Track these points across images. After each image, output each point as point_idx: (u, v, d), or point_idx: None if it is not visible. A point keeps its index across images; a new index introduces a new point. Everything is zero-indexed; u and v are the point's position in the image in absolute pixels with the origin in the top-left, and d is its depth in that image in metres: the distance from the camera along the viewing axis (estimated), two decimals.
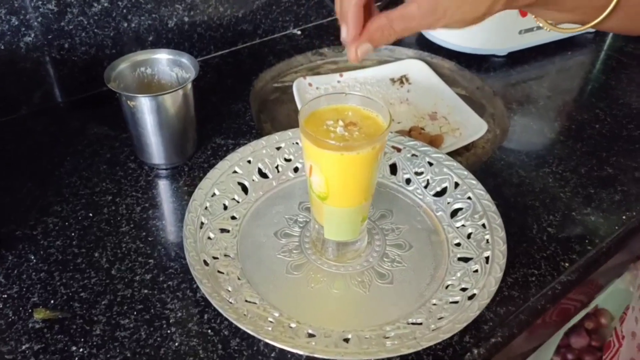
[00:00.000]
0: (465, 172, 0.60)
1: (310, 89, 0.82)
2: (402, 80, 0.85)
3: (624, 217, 0.61)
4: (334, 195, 0.49)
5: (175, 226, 0.58)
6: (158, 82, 0.65)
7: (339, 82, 0.85)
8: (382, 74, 0.87)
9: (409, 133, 0.73)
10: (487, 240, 0.54)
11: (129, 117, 0.61)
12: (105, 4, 0.72)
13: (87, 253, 0.55)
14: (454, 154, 0.70)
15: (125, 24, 0.76)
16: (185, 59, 0.63)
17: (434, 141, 0.72)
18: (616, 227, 0.59)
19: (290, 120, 0.78)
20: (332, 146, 0.44)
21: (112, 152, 0.67)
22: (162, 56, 0.64)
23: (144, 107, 0.59)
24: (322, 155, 0.45)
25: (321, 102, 0.49)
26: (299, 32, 0.94)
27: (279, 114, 0.79)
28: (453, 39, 0.89)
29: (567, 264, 0.55)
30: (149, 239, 0.56)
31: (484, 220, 0.56)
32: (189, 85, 0.61)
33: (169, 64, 0.64)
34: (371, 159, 0.46)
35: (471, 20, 0.42)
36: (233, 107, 0.76)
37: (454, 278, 0.52)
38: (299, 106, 0.77)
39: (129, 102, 0.58)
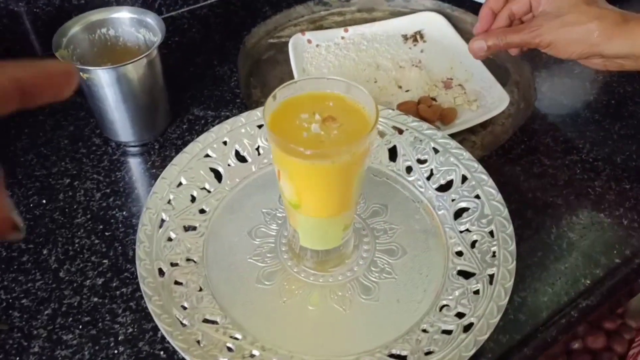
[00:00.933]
0: (476, 165, 0.51)
1: (309, 46, 0.72)
2: (416, 37, 0.74)
3: None
4: (307, 205, 0.41)
5: (137, 218, 0.51)
6: (124, 45, 0.56)
7: (343, 38, 0.74)
8: (393, 28, 0.75)
9: (418, 105, 0.63)
10: (494, 253, 0.45)
11: (85, 91, 0.52)
12: None
13: (35, 249, 0.48)
14: (467, 132, 0.61)
15: None
16: (150, 19, 0.54)
17: (446, 116, 0.62)
18: None
19: None
20: (300, 153, 0.35)
21: (76, 124, 0.60)
22: (124, 15, 0.55)
23: (101, 80, 0.50)
24: (289, 162, 0.37)
25: (297, 87, 0.40)
26: None
27: (272, 78, 0.69)
28: None
29: (588, 281, 0.47)
30: (106, 233, 0.50)
31: (492, 227, 0.47)
32: (155, 52, 0.52)
33: (133, 24, 0.55)
34: (350, 168, 0.38)
35: (562, 46, 0.51)
36: (218, 70, 0.66)
37: (450, 298, 0.44)
38: (293, 68, 0.67)
39: (82, 74, 0.50)
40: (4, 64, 0.22)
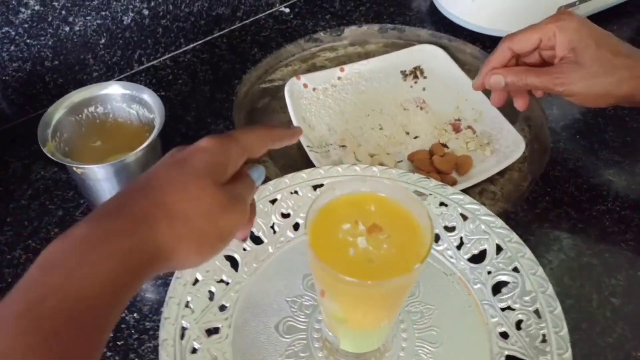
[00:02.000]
0: (511, 234, 0.48)
1: (305, 91, 0.67)
2: (416, 73, 0.71)
3: None
4: (355, 320, 0.37)
5: (150, 320, 0.46)
6: (114, 121, 0.51)
7: (339, 78, 0.70)
8: (390, 64, 0.71)
9: (431, 156, 0.60)
10: (544, 337, 0.43)
11: (80, 184, 0.47)
12: (36, 7, 0.56)
13: None
14: (485, 181, 0.58)
15: (67, 28, 0.59)
16: (147, 97, 0.48)
17: (461, 165, 0.59)
18: None
19: None
20: (353, 283, 0.32)
21: (65, 207, 0.54)
22: (114, 91, 0.49)
23: (97, 175, 0.45)
24: (339, 287, 0.33)
25: (332, 192, 0.36)
26: (287, 10, 0.77)
27: None
28: (477, 20, 0.72)
29: (639, 354, 0.45)
30: (119, 342, 0.45)
31: (537, 306, 0.44)
32: (156, 136, 0.47)
33: (125, 100, 0.50)
34: (408, 287, 0.34)
35: (590, 98, 0.49)
36: (214, 129, 0.62)
37: None
38: (292, 118, 0.63)
39: (75, 169, 0.44)
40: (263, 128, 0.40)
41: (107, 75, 0.65)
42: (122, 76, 0.66)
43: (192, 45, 0.71)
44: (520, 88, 0.51)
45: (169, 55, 0.70)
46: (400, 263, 0.33)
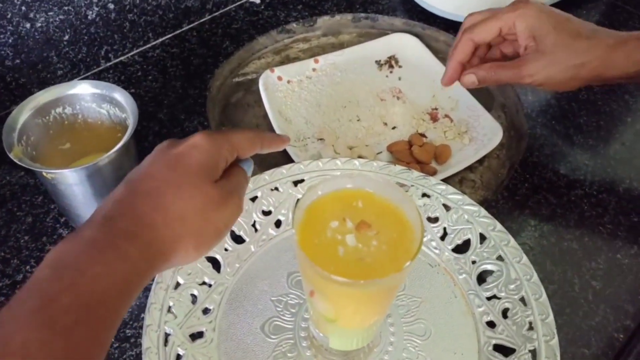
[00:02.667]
0: (495, 223, 0.48)
1: (280, 84, 0.66)
2: (391, 62, 0.70)
3: None
4: (345, 320, 0.36)
5: (131, 328, 0.45)
6: (84, 122, 0.49)
7: (314, 70, 0.69)
8: (365, 55, 0.71)
9: (410, 146, 0.60)
10: (531, 324, 0.43)
11: (50, 189, 0.45)
12: None
13: None
14: (465, 170, 0.58)
15: (28, 25, 0.56)
16: (118, 95, 0.46)
17: (440, 155, 0.59)
18: None
19: None
20: (344, 283, 0.31)
21: (34, 212, 0.51)
22: (84, 90, 0.47)
23: (69, 179, 0.43)
24: (330, 288, 0.32)
25: (317, 190, 0.35)
26: (258, 1, 0.76)
27: (246, 126, 0.63)
28: (450, 7, 0.72)
29: (621, 336, 0.45)
30: None
31: (522, 294, 0.45)
32: (130, 137, 0.45)
33: (94, 100, 0.47)
34: (397, 284, 0.33)
35: (558, 84, 0.49)
36: (187, 127, 0.60)
37: None
38: (269, 112, 0.62)
39: (44, 174, 0.42)
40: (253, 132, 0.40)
41: (72, 73, 0.63)
42: (89, 74, 0.64)
43: (161, 40, 0.69)
44: (492, 83, 0.52)
45: (137, 50, 0.67)
46: (391, 260, 0.33)
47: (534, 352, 0.42)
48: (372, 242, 0.34)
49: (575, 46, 0.48)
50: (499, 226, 0.48)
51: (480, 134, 0.61)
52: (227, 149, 0.37)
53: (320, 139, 0.61)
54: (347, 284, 0.31)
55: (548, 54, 0.48)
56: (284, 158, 0.56)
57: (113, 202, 0.33)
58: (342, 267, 0.32)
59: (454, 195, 0.50)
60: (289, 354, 0.43)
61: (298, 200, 0.34)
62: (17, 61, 0.57)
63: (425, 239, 0.50)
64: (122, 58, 0.66)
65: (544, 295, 0.44)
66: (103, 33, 0.63)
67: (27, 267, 0.48)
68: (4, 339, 0.26)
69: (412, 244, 0.33)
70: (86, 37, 0.61)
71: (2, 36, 0.55)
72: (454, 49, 0.53)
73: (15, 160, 0.41)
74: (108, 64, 0.65)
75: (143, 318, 0.42)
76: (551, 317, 0.43)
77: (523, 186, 0.55)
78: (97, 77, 0.64)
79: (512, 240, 0.47)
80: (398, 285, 0.34)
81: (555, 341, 0.41)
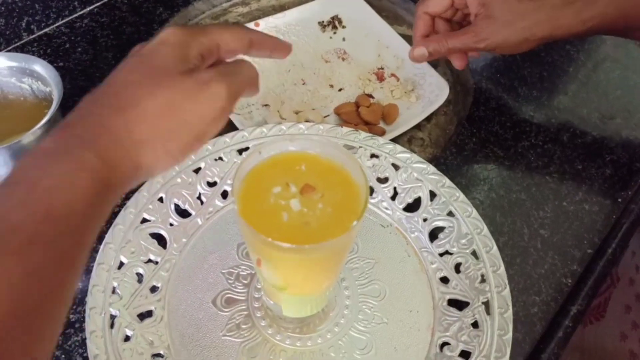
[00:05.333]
0: (444, 179, 0.48)
1: None
2: (334, 22, 0.68)
3: (619, 200, 0.52)
4: (295, 286, 0.35)
5: (75, 312, 0.43)
6: (4, 99, 0.45)
7: None
8: (307, 16, 0.68)
9: (357, 107, 0.58)
10: (482, 277, 0.43)
11: None
12: None
13: None
14: (413, 129, 0.57)
15: None
16: (39, 68, 0.43)
17: (388, 115, 0.58)
18: (614, 217, 0.51)
19: None
20: (289, 249, 0.30)
21: None
22: (0, 64, 0.43)
23: None
24: (275, 255, 0.31)
25: (257, 155, 0.33)
26: None
27: None
28: None
29: (569, 281, 0.46)
30: None
31: (473, 247, 0.45)
32: (55, 111, 0.42)
33: (13, 74, 0.44)
34: (345, 248, 0.33)
35: (513, 46, 0.49)
36: None
37: (448, 334, 0.42)
38: None
39: None
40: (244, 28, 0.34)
41: None
42: (10, 47, 0.59)
43: (88, 9, 0.64)
44: (445, 53, 0.52)
45: (63, 21, 0.63)
46: (337, 222, 0.32)
47: (486, 304, 0.42)
48: (318, 205, 0.32)
49: (522, 8, 0.48)
50: (448, 182, 0.48)
51: (427, 92, 0.60)
52: (202, 40, 0.31)
53: (265, 105, 0.59)
54: (293, 250, 0.29)
55: (498, 19, 0.48)
56: (227, 126, 0.54)
57: (75, 111, 0.29)
58: (287, 233, 0.31)
59: (402, 154, 0.49)
60: (243, 326, 0.42)
61: (238, 167, 0.32)
62: None
63: (375, 200, 0.49)
64: (46, 30, 0.62)
65: (495, 248, 0.44)
66: (22, 3, 0.58)
67: None
68: None
69: (358, 204, 0.32)
70: (3, 8, 0.57)
71: None
72: (415, 25, 0.53)
73: None
74: (31, 37, 0.61)
75: (86, 302, 0.40)
76: (502, 268, 0.43)
77: (471, 141, 0.55)
78: (21, 51, 0.59)
79: (462, 196, 0.47)
80: (347, 248, 0.33)
81: (507, 291, 0.42)
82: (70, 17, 0.63)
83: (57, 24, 0.62)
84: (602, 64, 0.64)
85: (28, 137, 0.41)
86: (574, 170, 0.54)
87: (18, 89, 0.45)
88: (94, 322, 0.39)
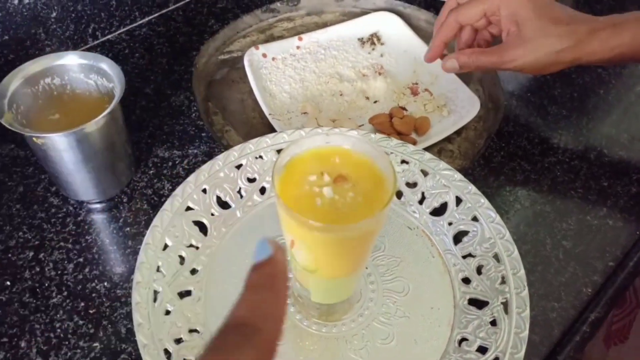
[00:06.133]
0: (470, 186, 0.50)
1: (265, 61, 0.68)
2: (373, 40, 0.72)
3: None
4: (324, 269, 0.38)
5: (122, 288, 0.47)
6: (72, 93, 0.50)
7: (298, 47, 0.70)
8: (348, 32, 0.72)
9: (390, 118, 0.61)
10: (503, 278, 0.45)
11: (39, 155, 0.46)
12: None
13: (10, 344, 0.43)
14: (443, 140, 0.60)
15: (16, 1, 0.58)
16: (105, 66, 0.48)
17: (420, 126, 0.61)
18: (637, 232, 0.52)
19: (245, 109, 0.64)
20: (321, 228, 0.33)
21: (25, 182, 0.53)
22: (72, 61, 0.48)
23: (58, 145, 0.44)
24: (309, 235, 0.34)
25: (297, 147, 0.37)
26: None
27: (231, 101, 0.65)
28: None
29: (589, 290, 0.48)
30: (90, 311, 0.45)
31: (495, 250, 0.47)
32: (117, 104, 0.46)
33: (82, 70, 0.49)
34: (374, 232, 0.36)
35: (539, 69, 0.51)
36: (174, 101, 0.61)
37: (467, 331, 0.44)
38: (254, 88, 0.63)
39: (35, 139, 0.44)
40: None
41: (60, 50, 0.64)
42: (76, 51, 0.65)
43: (147, 19, 0.70)
44: (473, 69, 0.54)
45: (124, 29, 0.69)
46: (365, 210, 0.35)
47: (505, 304, 0.44)
48: (349, 193, 0.35)
49: (555, 31, 0.50)
50: (473, 189, 0.50)
51: (459, 107, 0.63)
52: None
53: (304, 113, 0.63)
54: (324, 229, 0.33)
55: (529, 41, 0.50)
56: (268, 131, 0.58)
57: None
58: (320, 215, 0.34)
59: (431, 161, 0.52)
60: None
61: (279, 158, 0.35)
62: (6, 37, 0.59)
63: (404, 203, 0.52)
64: (109, 36, 0.68)
65: (516, 252, 0.46)
66: (90, 11, 0.64)
67: (19, 233, 0.49)
68: None
69: (386, 195, 0.35)
70: (73, 15, 0.63)
71: None
72: (440, 28, 0.55)
73: (6, 125, 0.43)
74: (95, 42, 0.67)
75: (132, 279, 0.44)
76: (522, 271, 0.45)
77: (499, 154, 0.58)
78: None
79: (487, 202, 0.49)
80: (373, 235, 0.36)
81: (525, 292, 0.44)
82: (130, 26, 0.69)
83: (119, 32, 0.68)
84: (634, 87, 0.66)
85: (90, 127, 0.45)
86: (600, 186, 0.55)
87: (85, 84, 0.50)
88: (139, 295, 0.42)
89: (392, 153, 0.53)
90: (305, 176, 0.36)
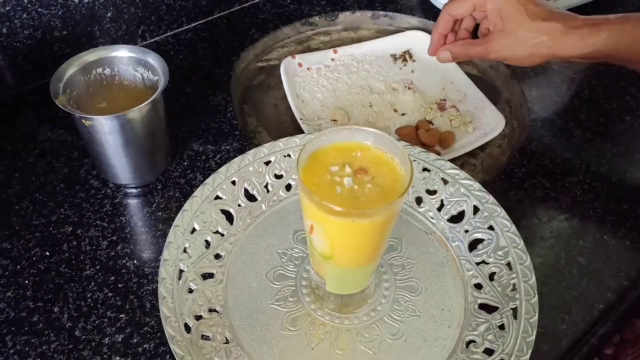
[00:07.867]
0: (487, 196, 0.52)
1: (300, 70, 0.71)
2: (405, 56, 0.74)
3: None
4: (340, 257, 0.40)
5: (149, 267, 0.49)
6: (120, 84, 0.54)
7: (332, 59, 0.73)
8: (381, 48, 0.75)
9: (416, 130, 0.64)
10: (514, 286, 0.47)
11: (86, 136, 0.50)
12: None
13: (44, 308, 0.46)
14: (467, 155, 0.62)
15: (77, 0, 0.63)
16: (152, 59, 0.52)
17: (445, 140, 0.63)
18: None
19: (278, 113, 0.67)
20: (340, 212, 0.35)
21: (70, 165, 0.57)
22: (122, 54, 0.53)
23: (104, 127, 0.48)
24: (327, 219, 0.36)
25: (322, 139, 0.40)
26: None
27: (265, 105, 0.68)
28: None
29: (601, 306, 0.48)
30: (119, 285, 0.48)
31: (509, 259, 0.48)
32: (159, 95, 0.50)
33: (131, 63, 0.53)
34: (388, 222, 0.38)
35: (519, 60, 0.56)
36: (212, 100, 0.65)
37: (475, 333, 0.45)
38: (287, 94, 0.66)
39: (84, 121, 0.48)
40: None
41: None
42: (128, 45, 0.70)
43: (193, 25, 0.75)
44: (463, 58, 0.61)
45: (171, 32, 0.73)
46: (382, 200, 0.37)
47: (515, 310, 0.45)
48: (367, 185, 0.38)
49: (532, 27, 0.53)
50: (491, 199, 0.52)
51: (484, 124, 0.65)
52: None
53: (333, 120, 0.66)
54: (342, 213, 0.35)
55: (511, 34, 0.54)
56: (299, 134, 0.61)
57: None
58: (338, 202, 0.36)
59: (452, 170, 0.54)
60: (290, 298, 0.47)
61: (304, 146, 0.38)
62: (64, 32, 0.64)
63: (423, 210, 0.54)
64: (156, 38, 0.72)
65: (529, 261, 0.47)
66: (142, 14, 0.69)
67: (61, 209, 0.53)
68: None
69: (401, 189, 0.37)
70: (126, 16, 0.68)
71: (53, 8, 0.61)
72: (437, 22, 0.61)
73: (59, 106, 0.47)
74: (144, 43, 0.71)
75: (160, 258, 0.47)
76: (533, 279, 0.46)
77: (520, 170, 0.59)
78: None
79: (503, 212, 0.51)
80: (385, 224, 0.38)
81: (535, 300, 0.45)
82: (177, 30, 0.73)
83: (166, 34, 0.73)
84: None
85: (134, 113, 0.49)
86: (620, 208, 0.56)
87: (132, 76, 0.54)
88: (166, 272, 0.45)
89: (414, 160, 0.55)
90: (328, 166, 0.39)
